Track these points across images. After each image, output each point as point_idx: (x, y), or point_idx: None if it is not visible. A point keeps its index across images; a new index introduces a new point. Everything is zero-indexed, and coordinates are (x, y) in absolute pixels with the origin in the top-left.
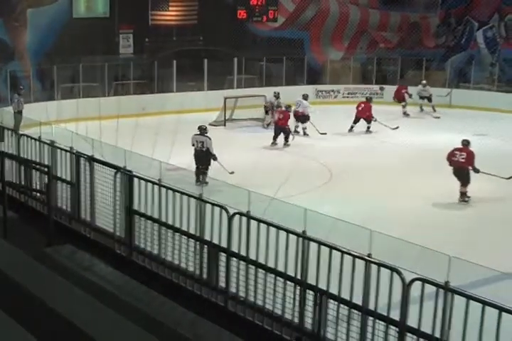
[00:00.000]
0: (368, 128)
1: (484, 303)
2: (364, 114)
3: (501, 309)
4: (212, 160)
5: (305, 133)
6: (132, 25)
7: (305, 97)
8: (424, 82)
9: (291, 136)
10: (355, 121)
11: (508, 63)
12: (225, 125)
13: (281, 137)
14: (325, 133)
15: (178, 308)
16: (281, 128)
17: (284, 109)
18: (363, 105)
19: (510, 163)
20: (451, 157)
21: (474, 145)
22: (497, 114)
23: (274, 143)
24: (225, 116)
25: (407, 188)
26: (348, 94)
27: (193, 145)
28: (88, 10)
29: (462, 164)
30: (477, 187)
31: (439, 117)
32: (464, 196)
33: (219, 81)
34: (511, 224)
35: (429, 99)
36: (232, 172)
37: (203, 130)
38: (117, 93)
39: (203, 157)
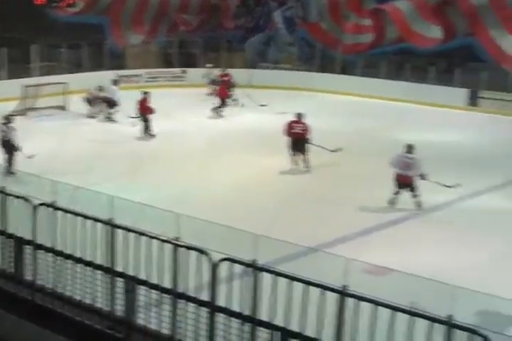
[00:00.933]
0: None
1: (292, 278)
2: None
3: (308, 283)
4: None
5: (113, 119)
6: None
7: (114, 83)
8: (208, 65)
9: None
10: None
11: (305, 43)
12: (25, 114)
13: None
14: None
15: None
16: None
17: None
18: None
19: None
20: (290, 129)
21: (278, 123)
22: (297, 92)
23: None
24: (25, 105)
25: (217, 169)
26: (150, 78)
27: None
28: None
29: (301, 135)
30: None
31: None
32: (307, 162)
33: (18, 69)
34: (322, 200)
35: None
36: (31, 157)
37: (7, 119)
38: None
39: (8, 146)
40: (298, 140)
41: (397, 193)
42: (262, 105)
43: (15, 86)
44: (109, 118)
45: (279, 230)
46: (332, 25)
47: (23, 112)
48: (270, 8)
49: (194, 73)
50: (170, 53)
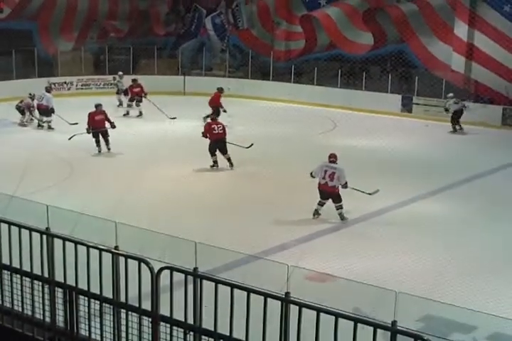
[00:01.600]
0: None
1: (232, 286)
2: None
3: (249, 290)
4: None
5: (50, 127)
6: None
7: (48, 90)
8: (120, 73)
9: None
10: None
11: (236, 49)
12: None
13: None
14: (76, 124)
15: None
16: None
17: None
18: (213, 95)
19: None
20: (211, 131)
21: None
22: (229, 99)
23: None
24: None
25: (152, 177)
26: (82, 85)
27: None
28: None
29: (222, 135)
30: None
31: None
32: (230, 161)
33: None
34: (257, 208)
35: (126, 92)
36: None
37: None
38: None
39: None
40: (219, 140)
41: (321, 204)
42: (172, 118)
43: None
44: (49, 127)
45: (217, 238)
46: (263, 31)
47: None
48: (201, 15)
49: (126, 80)
50: (101, 60)
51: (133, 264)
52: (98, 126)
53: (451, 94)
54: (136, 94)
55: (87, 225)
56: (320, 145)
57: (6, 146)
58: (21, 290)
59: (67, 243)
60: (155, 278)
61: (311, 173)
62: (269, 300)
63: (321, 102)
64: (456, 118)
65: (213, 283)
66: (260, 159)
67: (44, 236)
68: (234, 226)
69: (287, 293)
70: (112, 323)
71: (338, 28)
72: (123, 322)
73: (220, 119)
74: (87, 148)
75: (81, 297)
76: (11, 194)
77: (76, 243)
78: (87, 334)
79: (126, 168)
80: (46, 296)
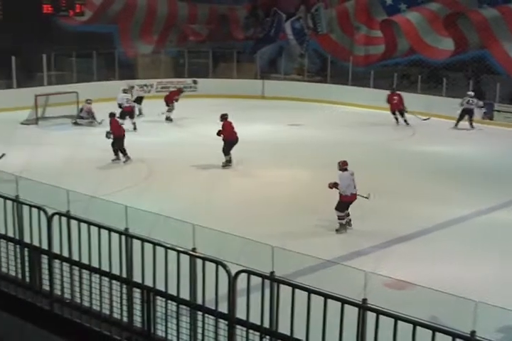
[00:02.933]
0: (405, 121)
1: (309, 291)
2: (398, 106)
3: (326, 296)
4: None
5: (135, 128)
6: None
7: (125, 91)
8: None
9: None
10: (394, 113)
11: (315, 53)
12: (37, 123)
13: None
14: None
15: (1, 314)
16: None
17: None
18: (395, 97)
19: (326, 151)
20: (232, 130)
21: (291, 134)
22: (307, 104)
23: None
24: (36, 114)
25: (231, 179)
26: (162, 88)
27: None
28: None
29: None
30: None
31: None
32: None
33: (28, 78)
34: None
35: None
36: (3, 156)
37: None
38: None
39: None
40: (237, 140)
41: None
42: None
43: (24, 95)
44: (134, 127)
45: (294, 242)
46: (342, 36)
47: (34, 121)
48: (280, 19)
49: (205, 83)
50: (181, 63)
51: (210, 267)
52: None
53: (470, 93)
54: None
55: (165, 226)
56: (399, 151)
57: (87, 147)
58: (100, 290)
59: (145, 244)
60: (232, 281)
61: (330, 186)
62: (345, 306)
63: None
64: (463, 115)
65: (290, 288)
66: (330, 164)
67: (123, 237)
68: (311, 230)
69: (364, 300)
70: (188, 325)
71: (418, 33)
72: (199, 324)
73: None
74: (165, 150)
75: (158, 298)
76: (91, 194)
77: (154, 244)
78: (164, 335)
79: (204, 170)
80: (124, 296)
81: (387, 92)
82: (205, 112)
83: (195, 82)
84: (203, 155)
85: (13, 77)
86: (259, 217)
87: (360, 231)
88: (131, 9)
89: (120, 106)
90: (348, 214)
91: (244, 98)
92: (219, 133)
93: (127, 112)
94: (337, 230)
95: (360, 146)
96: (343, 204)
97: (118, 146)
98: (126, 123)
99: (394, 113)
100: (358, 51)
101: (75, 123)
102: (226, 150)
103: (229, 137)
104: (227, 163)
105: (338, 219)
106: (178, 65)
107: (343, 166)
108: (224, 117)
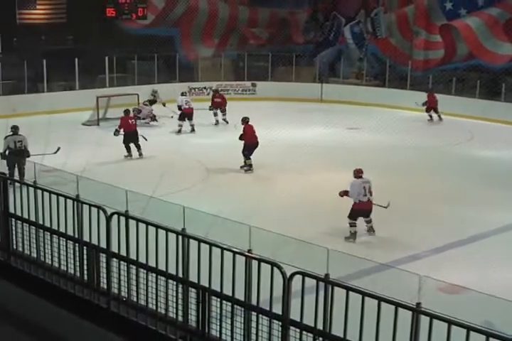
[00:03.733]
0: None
1: (363, 294)
2: (435, 103)
3: (380, 299)
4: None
5: (193, 130)
6: None
7: (183, 93)
8: (155, 88)
9: None
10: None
11: (374, 57)
12: (98, 124)
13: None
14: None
15: (59, 311)
16: None
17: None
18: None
19: (383, 156)
20: (253, 134)
21: (348, 138)
22: (366, 108)
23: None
24: (98, 115)
25: (284, 184)
26: (221, 91)
27: (9, 146)
28: None
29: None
30: None
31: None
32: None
33: (90, 80)
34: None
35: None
36: (58, 150)
37: (17, 129)
38: None
39: (23, 156)
40: (257, 145)
41: (356, 225)
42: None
43: (87, 96)
44: (192, 129)
45: (348, 245)
46: (401, 40)
47: (95, 122)
48: (339, 23)
49: (264, 86)
50: (240, 66)
51: (265, 268)
52: (131, 129)
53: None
54: (218, 105)
55: (221, 227)
56: (455, 155)
57: (145, 148)
58: (156, 289)
59: (202, 244)
60: (287, 282)
61: (341, 194)
62: (399, 309)
63: (459, 112)
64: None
65: (344, 290)
66: (396, 168)
67: (180, 237)
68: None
69: (418, 304)
70: (242, 325)
71: (477, 38)
72: (253, 324)
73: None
74: (222, 152)
75: (213, 298)
76: (150, 194)
77: (211, 245)
78: (218, 335)
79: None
80: (180, 296)
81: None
82: (263, 115)
83: (253, 85)
84: (258, 158)
85: (75, 79)
86: (314, 218)
87: (414, 235)
88: (193, 13)
89: (180, 108)
90: (368, 221)
91: (302, 101)
92: (241, 138)
93: (187, 114)
94: (346, 238)
95: (417, 151)
96: (354, 211)
97: (131, 142)
98: (185, 125)
99: (430, 111)
100: (417, 55)
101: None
102: (246, 154)
103: (249, 141)
104: (248, 167)
105: (349, 226)
106: (238, 68)
107: (358, 174)
108: (245, 121)
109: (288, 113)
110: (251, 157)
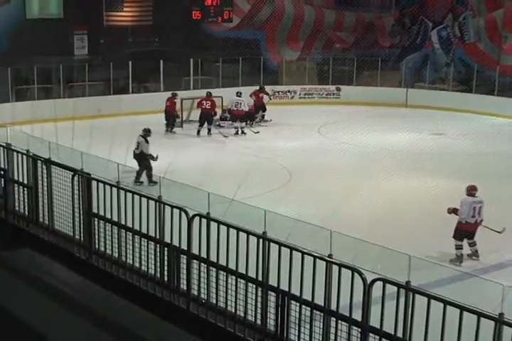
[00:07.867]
0: None
1: (445, 303)
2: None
3: (462, 308)
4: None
5: (243, 132)
6: (86, 26)
7: (239, 95)
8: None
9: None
10: None
11: (461, 62)
12: (182, 126)
13: None
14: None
15: (140, 311)
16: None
17: None
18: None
19: (467, 162)
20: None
21: (432, 143)
22: (452, 114)
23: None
24: (182, 117)
25: (367, 188)
26: (305, 94)
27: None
28: (42, 11)
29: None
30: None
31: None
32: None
33: (175, 82)
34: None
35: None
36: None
37: (145, 132)
38: (73, 95)
39: (138, 158)
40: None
41: (462, 247)
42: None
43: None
44: (242, 131)
45: (431, 253)
46: (490, 45)
47: (179, 124)
48: (426, 27)
49: (348, 90)
50: (325, 70)
51: (345, 273)
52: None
53: None
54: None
55: (302, 232)
56: None
57: (226, 150)
58: (235, 292)
59: (282, 248)
60: (367, 288)
61: (449, 211)
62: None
63: None
64: None
65: (425, 298)
66: (473, 175)
67: (261, 240)
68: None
69: (501, 314)
70: (321, 330)
71: None
72: (332, 330)
73: None
74: (305, 156)
75: (293, 302)
76: (232, 197)
77: (291, 249)
78: (296, 340)
79: (343, 176)
80: (259, 299)
81: None
82: (346, 119)
83: (338, 89)
84: (341, 162)
85: (160, 81)
86: (401, 225)
87: (500, 245)
88: (279, 16)
89: (229, 110)
90: (472, 244)
91: (387, 106)
92: None
93: (235, 115)
94: (451, 260)
95: (504, 158)
96: (460, 232)
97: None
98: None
99: None
100: (505, 61)
101: (218, 126)
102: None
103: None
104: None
105: (455, 248)
106: (322, 71)
107: (470, 191)
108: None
109: (372, 117)
110: None
